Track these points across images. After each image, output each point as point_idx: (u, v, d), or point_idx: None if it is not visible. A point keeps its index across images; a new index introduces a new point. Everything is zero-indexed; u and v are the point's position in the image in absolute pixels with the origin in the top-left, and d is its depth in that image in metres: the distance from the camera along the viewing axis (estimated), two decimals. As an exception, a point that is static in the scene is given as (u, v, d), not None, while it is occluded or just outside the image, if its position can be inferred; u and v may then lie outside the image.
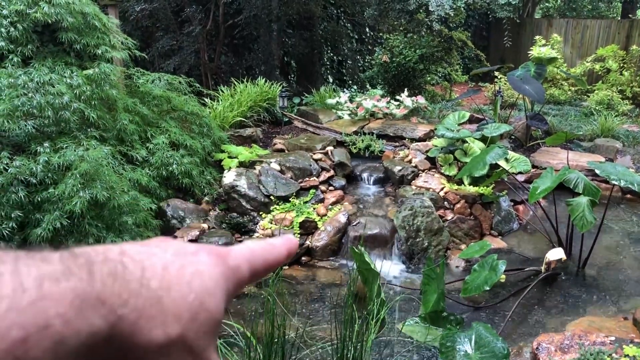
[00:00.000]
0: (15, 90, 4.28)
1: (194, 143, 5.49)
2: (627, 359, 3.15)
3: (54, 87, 4.42)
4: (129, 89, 5.60)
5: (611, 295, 4.34)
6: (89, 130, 4.62)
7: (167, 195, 5.18)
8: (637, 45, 10.74)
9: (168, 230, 4.92)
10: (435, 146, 6.05)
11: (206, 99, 6.93)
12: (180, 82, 5.95)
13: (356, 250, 4.31)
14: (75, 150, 4.23)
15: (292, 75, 10.20)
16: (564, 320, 4.00)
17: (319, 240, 5.15)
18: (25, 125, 4.26)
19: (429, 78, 9.92)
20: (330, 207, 5.50)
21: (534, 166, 5.94)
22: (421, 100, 7.30)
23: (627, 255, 4.87)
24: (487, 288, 4.14)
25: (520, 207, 5.62)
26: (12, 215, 3.94)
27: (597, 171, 4.41)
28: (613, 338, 3.46)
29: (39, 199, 4.06)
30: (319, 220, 5.28)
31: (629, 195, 5.77)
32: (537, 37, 11.96)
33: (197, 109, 5.93)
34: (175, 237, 4.86)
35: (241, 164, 5.78)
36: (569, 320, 3.94)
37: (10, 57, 4.56)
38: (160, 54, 8.90)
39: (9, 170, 4.01)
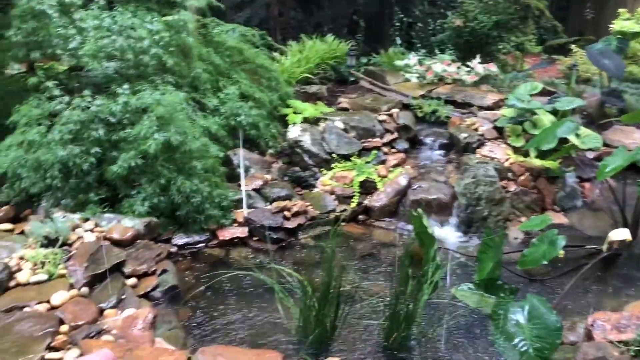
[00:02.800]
0: (100, 32, 4.47)
1: (263, 96, 5.61)
2: (686, 344, 3.10)
3: (135, 31, 4.59)
4: (204, 38, 5.72)
5: (675, 280, 4.23)
6: (165, 75, 4.79)
7: (234, 144, 5.34)
8: None
9: (234, 177, 5.09)
10: (504, 116, 5.94)
11: (275, 53, 7.00)
12: (253, 35, 6.04)
13: (415, 213, 4.35)
14: (152, 94, 4.40)
15: (360, 35, 10.10)
16: (622, 302, 3.94)
17: (377, 200, 5.21)
18: (107, 67, 4.46)
19: (501, 46, 9.61)
20: (391, 169, 5.53)
21: (605, 144, 5.74)
22: (493, 68, 7.14)
23: (696, 243, 4.71)
24: (545, 262, 4.11)
25: (587, 185, 5.49)
26: (92, 152, 4.18)
27: (673, 153, 4.25)
28: (673, 322, 3.39)
29: (117, 138, 4.29)
30: (379, 181, 5.33)
31: None
32: (620, 10, 11.33)
33: (267, 62, 6.03)
34: (239, 185, 5.04)
35: (305, 120, 5.86)
36: (627, 301, 3.88)
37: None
38: (232, 6, 8.99)
39: (90, 109, 4.24)
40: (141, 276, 3.79)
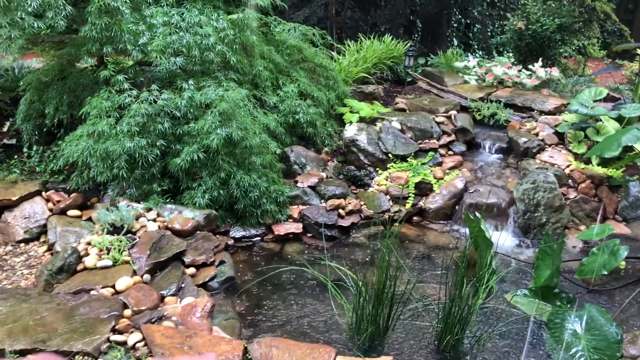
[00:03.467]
0: (169, 29, 4.62)
1: (320, 95, 5.66)
2: None
3: (202, 28, 4.73)
4: (265, 37, 5.83)
5: None
6: (228, 72, 4.91)
7: (291, 141, 5.42)
8: None
9: (290, 174, 5.17)
10: (566, 121, 5.80)
11: (333, 53, 7.05)
12: (313, 34, 6.10)
13: (472, 217, 4.32)
14: (215, 90, 4.52)
15: (417, 35, 10.03)
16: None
17: (433, 202, 5.19)
18: (174, 62, 4.61)
19: (563, 50, 9.37)
20: (447, 171, 5.49)
21: (672, 154, 5.54)
22: (555, 72, 6.98)
23: None
24: (605, 272, 4.02)
25: (651, 195, 5.31)
26: (157, 144, 4.33)
27: None
28: None
29: (181, 132, 4.43)
30: (435, 183, 5.30)
31: None
32: (692, 15, 10.85)
33: (326, 61, 6.08)
34: (296, 181, 5.11)
35: (362, 119, 5.88)
36: (692, 317, 3.75)
37: (166, -3, 4.90)
38: (290, 4, 9.09)
39: (158, 102, 4.39)
40: (200, 266, 3.91)
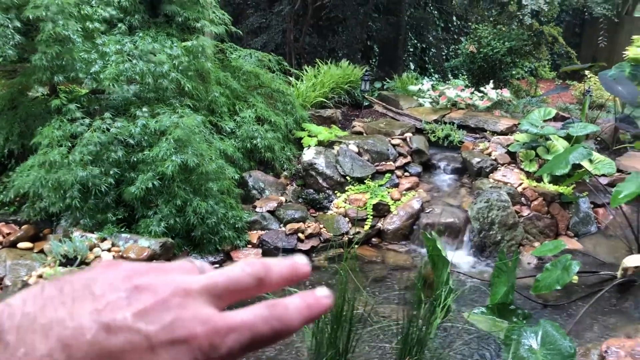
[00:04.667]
0: (122, 57, 4.60)
1: (278, 119, 5.69)
2: (701, 372, 3.08)
3: (155, 56, 4.72)
4: (221, 63, 5.85)
5: (691, 308, 4.20)
6: (183, 99, 4.90)
7: (249, 166, 5.42)
8: None
9: (248, 199, 5.16)
10: (517, 141, 5.97)
11: (290, 78, 7.12)
12: (269, 60, 6.16)
13: (429, 236, 4.37)
14: (170, 117, 4.51)
15: (374, 60, 10.22)
16: (637, 328, 3.92)
17: (390, 223, 5.25)
18: (127, 90, 4.58)
19: (514, 72, 9.68)
20: (404, 192, 5.57)
21: (618, 170, 5.74)
22: (506, 93, 7.19)
23: None
24: (559, 287, 4.11)
25: (600, 210, 5.48)
26: (111, 172, 4.28)
27: (688, 180, 4.25)
28: (689, 351, 3.37)
29: (135, 160, 4.38)
30: (393, 204, 5.37)
31: None
32: (634, 37, 11.36)
33: (283, 87, 6.13)
34: (255, 206, 5.08)
35: (320, 143, 5.93)
36: (642, 328, 3.86)
37: (119, 25, 4.89)
38: (248, 31, 9.17)
39: (110, 130, 4.35)
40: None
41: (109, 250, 4.16)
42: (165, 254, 4.27)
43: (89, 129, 4.34)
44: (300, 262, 0.41)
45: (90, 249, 4.07)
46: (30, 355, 0.31)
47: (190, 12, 5.08)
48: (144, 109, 4.56)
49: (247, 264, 0.39)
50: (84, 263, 3.92)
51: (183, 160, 4.28)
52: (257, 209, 5.03)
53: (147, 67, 4.63)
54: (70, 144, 4.32)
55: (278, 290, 0.40)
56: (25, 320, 0.33)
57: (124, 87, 4.58)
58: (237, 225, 4.65)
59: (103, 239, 4.24)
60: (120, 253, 4.11)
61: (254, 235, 4.78)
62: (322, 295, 0.39)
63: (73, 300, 0.34)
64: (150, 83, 4.64)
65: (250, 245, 4.73)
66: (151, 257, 4.11)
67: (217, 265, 4.48)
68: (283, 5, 8.76)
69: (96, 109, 4.72)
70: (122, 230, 4.36)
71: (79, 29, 4.36)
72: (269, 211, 5.04)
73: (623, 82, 5.84)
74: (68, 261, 3.89)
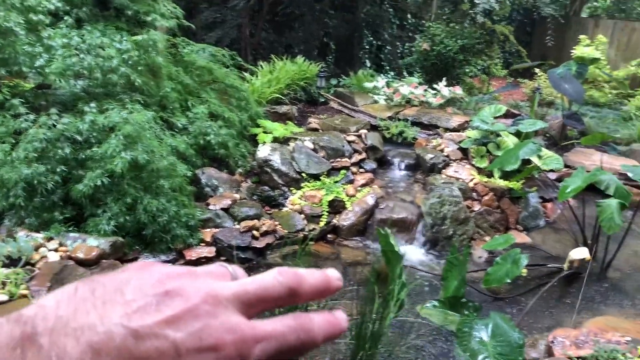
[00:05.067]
0: (69, 51, 4.46)
1: (232, 115, 5.63)
2: (640, 359, 3.20)
3: (104, 50, 4.59)
4: (174, 58, 5.75)
5: (631, 298, 4.36)
6: (133, 94, 4.79)
7: (202, 163, 5.34)
8: (685, 52, 10.49)
9: (202, 197, 5.09)
10: (469, 137, 6.08)
11: (245, 74, 7.05)
12: (223, 55, 6.08)
13: (382, 232, 4.40)
14: (119, 113, 4.40)
15: (330, 57, 10.24)
16: (582, 318, 4.04)
17: (346, 219, 5.27)
18: (75, 85, 4.45)
19: (467, 70, 9.86)
20: (359, 188, 5.60)
21: (566, 165, 5.92)
22: (458, 90, 7.31)
23: (652, 261, 4.87)
24: (508, 280, 4.20)
25: (549, 205, 5.64)
26: (58, 170, 4.14)
27: (629, 174, 4.41)
28: (629, 338, 3.50)
29: (83, 157, 4.25)
30: (348, 201, 5.39)
31: (660, 203, 5.72)
32: (581, 37, 11.73)
33: (237, 82, 6.07)
34: (208, 204, 5.01)
35: (275, 140, 5.90)
36: (586, 318, 3.98)
37: (65, 18, 4.73)
38: (203, 26, 9.04)
39: (57, 127, 4.21)
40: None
41: (56, 250, 4.03)
42: (115, 254, 4.17)
43: (34, 125, 4.19)
44: (332, 276, 0.41)
45: (36, 249, 3.93)
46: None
47: (141, 5, 4.96)
48: (92, 105, 4.43)
49: (279, 273, 0.39)
50: (29, 264, 3.79)
51: (133, 157, 4.18)
52: (211, 207, 4.96)
53: (95, 61, 4.50)
54: (13, 141, 4.16)
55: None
56: (58, 323, 0.33)
57: (71, 82, 4.44)
58: (189, 224, 4.57)
59: (50, 239, 4.10)
60: (68, 253, 3.98)
61: (207, 234, 4.72)
62: (341, 317, 0.40)
63: (104, 304, 0.34)
64: (99, 78, 4.51)
65: (203, 244, 4.66)
66: (100, 257, 4.00)
67: (170, 264, 4.42)
68: (238, 0, 8.67)
69: (42, 105, 4.55)
70: (70, 229, 4.23)
71: (22, 21, 4.19)
72: (222, 209, 4.98)
73: (570, 81, 6.02)
74: (12, 262, 3.74)
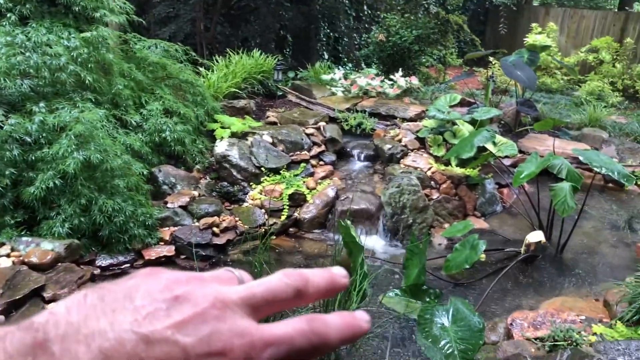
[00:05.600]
0: (13, 49, 4.30)
1: (188, 111, 5.55)
2: (594, 336, 3.30)
3: (51, 47, 4.46)
4: (125, 54, 5.62)
5: (585, 278, 4.50)
6: (84, 92, 4.66)
7: (159, 161, 5.25)
8: (631, 38, 10.84)
9: (159, 195, 5.00)
10: (426, 127, 6.15)
11: (201, 69, 6.95)
12: (176, 50, 5.98)
13: (343, 223, 4.42)
14: (70, 112, 4.28)
15: (288, 50, 10.19)
16: (539, 300, 4.15)
17: (307, 212, 5.26)
18: (22, 85, 4.30)
19: (424, 60, 9.95)
20: (319, 181, 5.60)
21: (520, 151, 6.05)
22: (414, 81, 7.38)
23: (603, 242, 5.03)
24: (467, 266, 4.27)
25: (505, 190, 5.76)
26: (6, 173, 4.01)
27: (580, 158, 4.53)
28: (583, 317, 3.61)
29: (33, 158, 4.12)
30: (308, 194, 5.38)
31: (610, 184, 5.91)
32: (533, 25, 12.00)
33: (192, 77, 5.97)
34: (166, 202, 4.93)
35: (233, 135, 5.84)
36: (543, 299, 4.10)
37: (8, 15, 4.57)
38: (156, 21, 8.87)
39: (4, 128, 4.07)
40: (62, 301, 3.65)
41: (7, 255, 3.90)
42: (71, 256, 4.07)
43: (-22, 128, 4.04)
44: (337, 273, 0.41)
45: (-14, 256, 3.80)
46: None
47: (89, 1, 4.82)
48: (42, 105, 4.30)
49: (285, 275, 0.40)
50: (-21, 271, 3.66)
51: (85, 157, 4.07)
52: (169, 205, 4.88)
53: (42, 59, 4.36)
54: (-42, 144, 4.01)
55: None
56: (69, 330, 0.33)
57: (18, 81, 4.29)
58: (147, 223, 4.49)
59: (1, 244, 3.97)
60: (22, 258, 3.87)
61: (166, 232, 4.64)
62: (362, 318, 0.40)
63: (114, 310, 0.34)
64: (47, 77, 4.37)
65: (162, 243, 4.59)
66: (55, 260, 3.90)
67: (128, 265, 4.33)
68: (191, -7, 8.53)
69: (-13, 106, 4.39)
70: (23, 233, 4.10)
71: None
72: (181, 206, 4.90)
73: (522, 68, 6.15)
74: (-39, 270, 3.61)
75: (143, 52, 5.63)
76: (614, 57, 10.90)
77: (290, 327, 0.36)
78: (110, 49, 4.92)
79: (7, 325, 0.35)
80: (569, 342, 3.26)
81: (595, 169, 4.35)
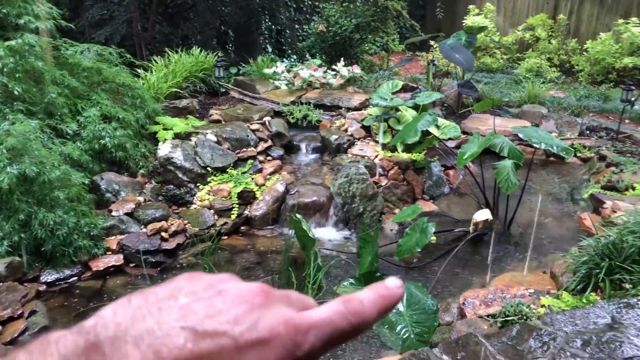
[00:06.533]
0: None
1: (127, 115, 5.40)
2: (543, 308, 3.40)
3: (-27, 58, 4.25)
4: (57, 61, 5.41)
5: (533, 251, 4.61)
6: (14, 103, 4.47)
7: (100, 169, 5.10)
8: (563, 15, 11.16)
9: (103, 203, 4.86)
10: (370, 115, 6.17)
11: (139, 70, 6.78)
12: (110, 53, 5.80)
13: (294, 218, 4.41)
14: (0, 125, 4.10)
15: (230, 45, 10.05)
16: (490, 277, 4.24)
17: (257, 209, 5.22)
18: (-55, 100, 4.09)
19: (367, 47, 9.99)
20: (268, 176, 5.55)
21: (464, 132, 6.16)
22: (357, 69, 7.40)
23: (548, 215, 5.18)
24: (419, 249, 4.33)
25: (451, 172, 5.85)
26: None
27: (520, 135, 4.64)
28: (532, 290, 3.71)
29: (-37, 176, 3.93)
30: (258, 190, 5.34)
31: (552, 158, 6.09)
32: (470, 7, 12.22)
33: (130, 80, 5.81)
34: (111, 210, 4.80)
35: (177, 136, 5.72)
36: (494, 276, 4.19)
37: None
38: (90, 24, 8.59)
39: None
40: (6, 321, 3.52)
41: (-57, 280, 3.73)
42: (13, 275, 3.91)
43: None
44: (393, 286, 0.41)
45: None
46: None
47: (10, 7, 4.61)
48: (-32, 119, 4.10)
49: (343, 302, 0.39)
50: None
51: (20, 171, 3.91)
52: (114, 213, 4.75)
53: (-36, 72, 4.16)
54: None
55: None
56: (118, 331, 0.34)
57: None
58: (92, 233, 4.36)
59: (-64, 269, 3.79)
60: (-41, 281, 3.70)
61: (112, 241, 4.52)
62: (393, 285, 0.40)
63: (159, 310, 0.35)
64: (-28, 89, 4.18)
65: (109, 252, 4.47)
66: (-4, 281, 3.74)
67: (76, 278, 4.20)
68: (125, -6, 8.28)
69: None
70: (-42, 255, 3.92)
71: None
72: (126, 213, 4.77)
73: (460, 50, 6.24)
74: None
75: (76, 58, 5.44)
76: (549, 33, 11.21)
77: (328, 311, 0.37)
78: (40, 56, 4.73)
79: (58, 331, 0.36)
80: (520, 316, 3.35)
81: (534, 145, 4.46)
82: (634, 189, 4.80)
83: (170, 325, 0.34)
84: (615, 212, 4.40)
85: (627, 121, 7.07)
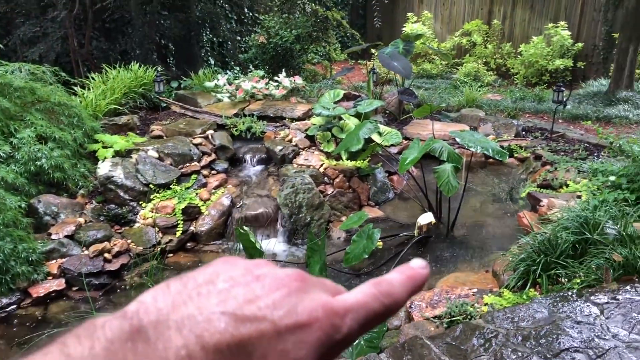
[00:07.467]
0: None
1: (64, 135, 5.25)
2: (486, 307, 3.49)
3: None
4: (-14, 82, 5.21)
5: (476, 251, 4.75)
6: (-60, 128, 4.29)
7: (37, 191, 4.93)
8: (497, 20, 11.57)
9: (42, 227, 4.70)
10: (314, 124, 6.22)
11: (76, 88, 6.60)
12: (44, 72, 5.63)
13: (241, 231, 4.38)
14: None
15: (171, 59, 9.92)
16: (436, 279, 4.33)
17: (203, 225, 5.16)
18: None
19: (310, 57, 10.06)
20: (213, 191, 5.50)
21: (405, 138, 6.28)
22: (299, 80, 7.44)
23: (489, 215, 5.34)
24: (366, 256, 4.38)
25: (395, 178, 5.96)
26: None
27: (457, 139, 4.77)
28: (475, 290, 3.81)
29: None
30: (203, 205, 5.28)
31: (491, 160, 6.27)
32: (409, 14, 12.51)
33: (65, 98, 5.65)
34: (50, 234, 4.65)
35: (117, 154, 5.61)
36: (438, 278, 4.28)
37: None
38: (22, 42, 8.31)
39: None
40: (-62, 357, 3.36)
41: None
42: (-54, 307, 3.74)
43: None
44: (418, 266, 0.42)
45: None
46: (170, 349, 0.32)
47: None
48: None
49: (374, 284, 0.39)
50: None
51: (-52, 198, 3.75)
52: (53, 236, 4.60)
53: None
54: None
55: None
56: (160, 316, 0.34)
57: None
58: (30, 258, 4.21)
59: None
60: None
61: (53, 266, 4.38)
62: (418, 265, 0.41)
63: (199, 295, 0.35)
64: None
65: (50, 277, 4.33)
66: None
67: (15, 306, 4.04)
68: (58, 10, 8.06)
69: None
70: None
71: None
72: (67, 236, 4.63)
73: (397, 58, 6.37)
74: None
75: (7, 78, 5.25)
76: (485, 38, 11.59)
77: (361, 294, 0.38)
78: (-34, 77, 4.55)
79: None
80: (464, 315, 3.43)
81: (471, 148, 4.59)
82: (567, 186, 5.00)
83: (211, 310, 0.34)
84: (550, 209, 4.57)
85: (560, 120, 7.38)
